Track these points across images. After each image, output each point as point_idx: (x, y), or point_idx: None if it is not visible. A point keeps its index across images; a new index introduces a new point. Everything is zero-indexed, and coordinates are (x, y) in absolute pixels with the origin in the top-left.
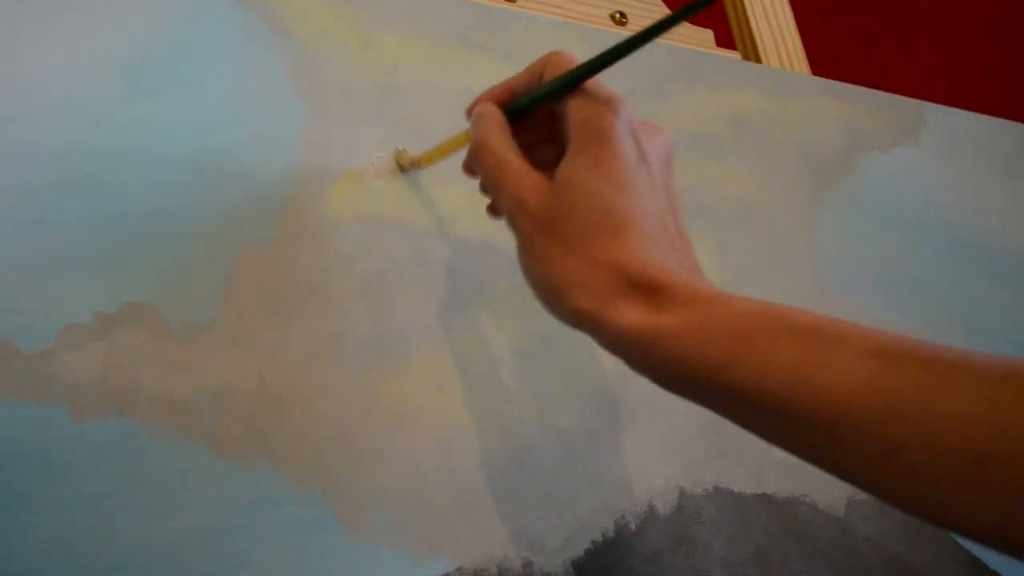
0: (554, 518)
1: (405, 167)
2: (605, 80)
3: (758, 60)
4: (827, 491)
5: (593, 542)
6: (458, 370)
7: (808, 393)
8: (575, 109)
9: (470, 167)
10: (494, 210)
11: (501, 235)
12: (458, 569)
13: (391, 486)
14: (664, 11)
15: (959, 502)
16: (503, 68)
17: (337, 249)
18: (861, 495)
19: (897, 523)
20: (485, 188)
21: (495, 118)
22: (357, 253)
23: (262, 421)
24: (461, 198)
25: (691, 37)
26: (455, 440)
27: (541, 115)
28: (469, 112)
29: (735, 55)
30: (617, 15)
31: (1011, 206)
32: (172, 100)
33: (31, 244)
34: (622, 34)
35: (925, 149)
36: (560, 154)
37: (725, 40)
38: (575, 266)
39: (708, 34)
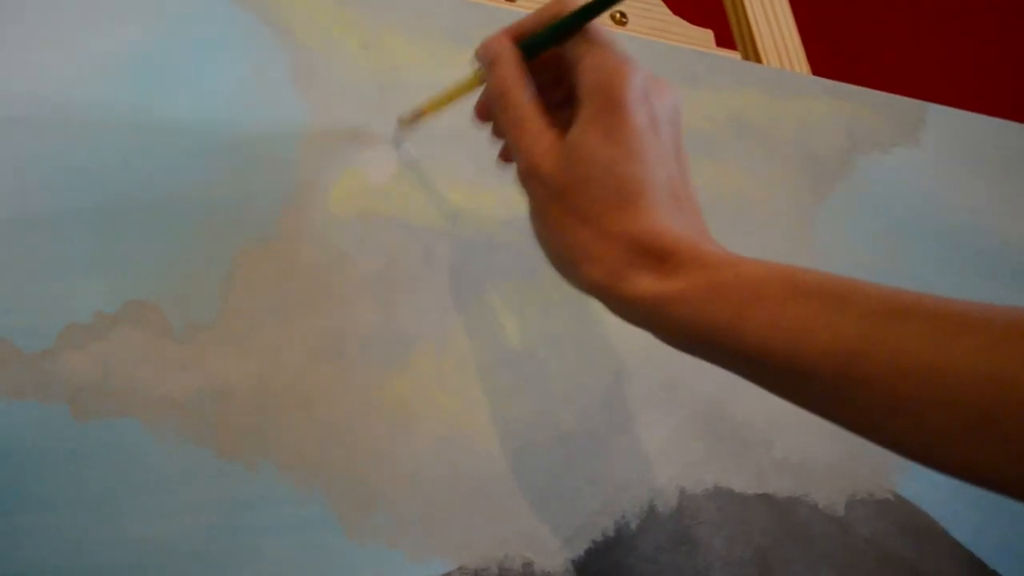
0: (555, 518)
1: (407, 123)
2: None
3: (758, 60)
4: (827, 491)
5: (594, 542)
6: (459, 370)
7: (816, 352)
8: (588, 71)
9: (483, 112)
10: (506, 157)
11: (503, 234)
12: (459, 568)
13: (391, 486)
14: (664, 11)
15: (967, 454)
16: None
17: (338, 248)
18: (861, 494)
19: (896, 523)
20: (498, 133)
21: (514, 62)
22: (358, 252)
23: (262, 421)
24: (463, 197)
25: (691, 37)
26: (455, 440)
27: (549, 60)
28: (480, 52)
29: (735, 55)
30: (617, 15)
31: (1011, 206)
32: (172, 100)
33: (31, 244)
34: (622, 33)
35: (925, 149)
36: (569, 97)
37: (725, 40)
38: (588, 238)
39: (708, 34)
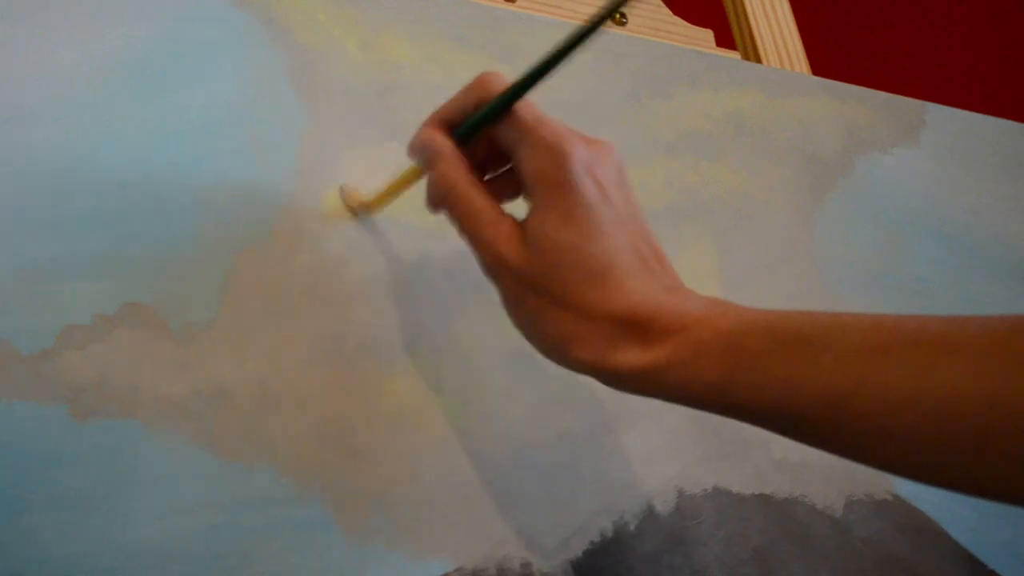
0: (553, 518)
1: (356, 210)
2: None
3: (758, 60)
4: (825, 491)
5: (592, 542)
6: (458, 370)
7: (806, 400)
8: (527, 160)
9: (435, 204)
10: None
11: None
12: (457, 569)
13: (391, 486)
14: (664, 12)
15: (965, 473)
16: (503, 68)
17: (336, 250)
18: (859, 495)
19: (895, 523)
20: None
21: (451, 156)
22: (356, 254)
23: (261, 422)
24: None
25: (691, 37)
26: (454, 440)
27: (484, 135)
28: (416, 149)
29: (735, 55)
30: (617, 15)
31: (1011, 206)
32: (172, 101)
33: (31, 244)
34: (622, 34)
35: (925, 149)
36: (509, 162)
37: (725, 40)
38: (568, 323)
39: (708, 34)
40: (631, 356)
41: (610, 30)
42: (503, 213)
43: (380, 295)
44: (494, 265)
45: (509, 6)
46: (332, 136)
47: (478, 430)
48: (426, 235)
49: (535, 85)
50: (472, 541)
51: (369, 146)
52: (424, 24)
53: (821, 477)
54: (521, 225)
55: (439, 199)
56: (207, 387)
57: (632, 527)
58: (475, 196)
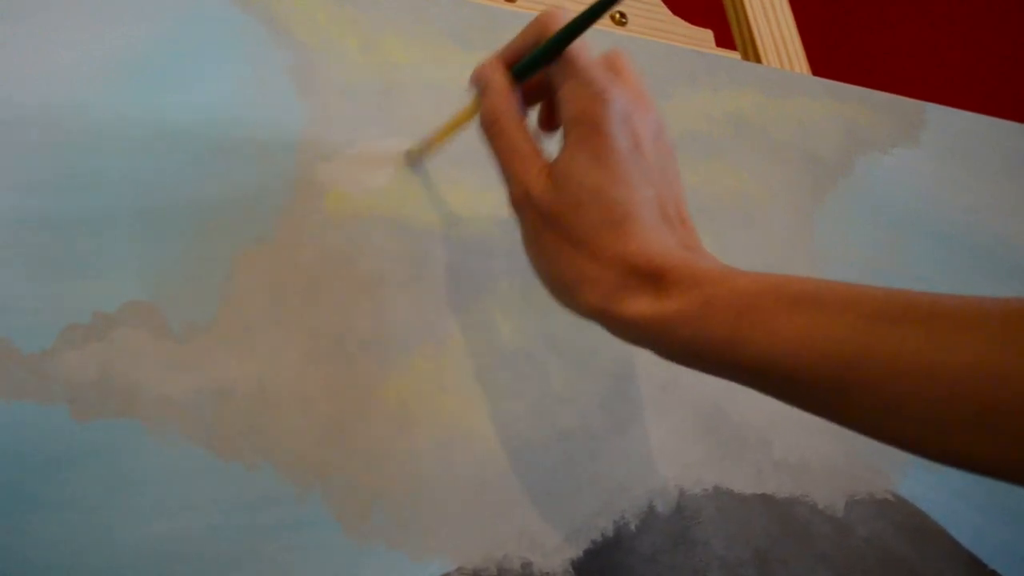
0: (554, 518)
1: (418, 154)
2: None
3: (758, 60)
4: (826, 491)
5: (593, 542)
6: (458, 370)
7: (816, 361)
8: (569, 99)
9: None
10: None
11: (502, 235)
12: (458, 569)
13: (391, 486)
14: (664, 11)
15: (967, 447)
16: None
17: (337, 249)
18: (860, 495)
19: (895, 523)
20: (494, 157)
21: (504, 89)
22: (358, 253)
23: (262, 421)
24: (463, 197)
25: (691, 37)
26: (455, 440)
27: (541, 79)
28: (473, 78)
29: (735, 55)
30: (617, 15)
31: (1011, 206)
32: (172, 101)
33: (31, 244)
34: (621, 34)
35: (925, 149)
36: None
37: (725, 40)
38: (582, 263)
39: (708, 34)
40: (640, 304)
41: (610, 30)
42: (541, 154)
43: (381, 294)
44: (520, 197)
45: (509, 6)
46: (332, 136)
47: (479, 429)
48: (428, 234)
49: (589, 26)
50: (473, 541)
51: (368, 146)
52: (424, 24)
53: (822, 477)
54: (552, 163)
55: (484, 127)
56: (208, 386)
57: (633, 527)
58: (516, 132)
